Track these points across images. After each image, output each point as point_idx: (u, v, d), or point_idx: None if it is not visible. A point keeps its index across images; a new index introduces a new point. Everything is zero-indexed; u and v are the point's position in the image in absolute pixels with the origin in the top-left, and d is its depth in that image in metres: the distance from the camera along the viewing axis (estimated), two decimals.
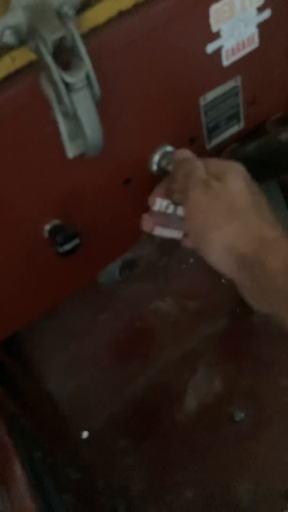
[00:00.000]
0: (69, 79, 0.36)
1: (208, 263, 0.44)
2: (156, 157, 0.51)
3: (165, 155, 0.51)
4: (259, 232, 0.41)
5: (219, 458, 0.80)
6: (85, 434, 0.86)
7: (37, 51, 0.36)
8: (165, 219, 0.48)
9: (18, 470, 0.54)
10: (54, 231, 0.47)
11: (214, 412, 0.85)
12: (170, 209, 0.48)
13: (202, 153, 0.55)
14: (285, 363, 0.88)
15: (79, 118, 0.39)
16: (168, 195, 0.49)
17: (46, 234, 0.48)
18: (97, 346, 0.91)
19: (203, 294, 0.96)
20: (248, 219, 0.41)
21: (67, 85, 0.37)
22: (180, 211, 0.49)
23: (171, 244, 0.71)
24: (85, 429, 0.86)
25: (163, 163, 0.51)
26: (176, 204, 0.48)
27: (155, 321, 0.94)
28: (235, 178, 0.44)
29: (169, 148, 0.51)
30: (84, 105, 0.38)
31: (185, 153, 0.48)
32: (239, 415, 0.84)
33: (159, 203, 0.47)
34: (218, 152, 0.58)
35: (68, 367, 0.89)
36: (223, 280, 0.97)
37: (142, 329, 0.94)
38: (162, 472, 0.81)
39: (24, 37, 0.37)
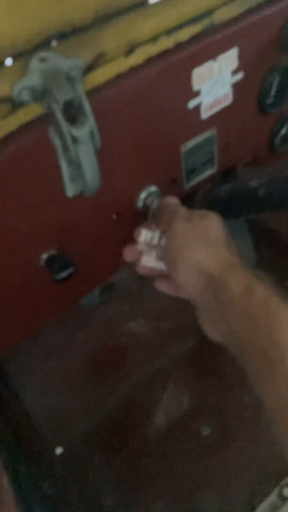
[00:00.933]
0: (75, 133, 0.42)
1: (178, 282, 0.49)
2: (142, 195, 0.57)
3: (150, 194, 0.58)
4: (226, 259, 0.47)
5: (186, 471, 0.85)
6: (59, 450, 0.89)
7: (49, 108, 0.42)
8: (150, 249, 0.54)
9: (5, 483, 0.57)
10: (50, 260, 0.52)
11: (182, 427, 0.90)
12: (155, 240, 0.54)
13: (181, 192, 0.62)
14: (247, 381, 0.94)
15: (81, 164, 0.45)
16: (155, 225, 0.55)
17: (42, 262, 0.53)
18: (73, 364, 0.95)
19: (173, 316, 1.02)
20: (218, 248, 0.48)
21: (73, 138, 0.43)
22: (163, 241, 0.55)
23: None
24: (60, 445, 0.89)
25: (148, 200, 0.58)
26: (160, 237, 0.54)
27: (128, 341, 0.99)
28: (213, 219, 0.51)
29: (153, 188, 0.58)
30: (87, 155, 0.44)
31: (174, 199, 0.55)
32: (206, 430, 0.89)
33: (145, 235, 0.53)
34: (195, 191, 0.65)
35: (45, 385, 0.93)
36: (192, 302, 1.03)
37: (116, 348, 0.98)
38: (133, 486, 0.85)
39: (37, 95, 0.43)
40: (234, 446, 0.87)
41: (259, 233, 0.94)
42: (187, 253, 0.48)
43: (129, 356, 0.99)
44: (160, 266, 0.54)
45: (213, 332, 0.48)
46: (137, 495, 0.84)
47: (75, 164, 0.45)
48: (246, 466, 0.84)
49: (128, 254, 0.56)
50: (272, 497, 0.79)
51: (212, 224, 0.50)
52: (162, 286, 0.55)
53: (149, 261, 0.54)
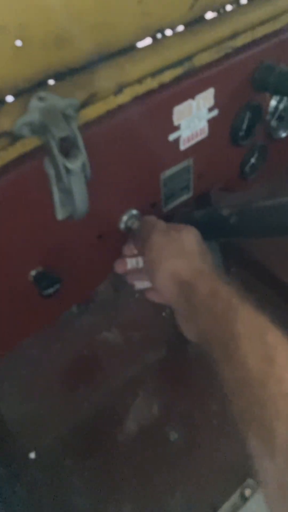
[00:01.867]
0: (69, 165, 0.47)
1: (157, 289, 0.55)
2: (124, 218, 0.62)
3: (131, 216, 0.63)
4: (197, 267, 0.53)
5: (155, 474, 0.89)
6: (32, 455, 0.92)
7: (46, 143, 0.46)
8: (140, 273, 0.59)
9: None
10: (38, 277, 0.56)
11: (151, 433, 0.94)
12: (140, 264, 0.59)
13: (159, 215, 0.67)
14: (215, 390, 1.00)
15: (72, 193, 0.49)
16: (134, 244, 0.61)
17: (31, 279, 0.57)
18: (48, 373, 0.99)
19: (146, 326, 1.07)
20: (191, 258, 0.54)
21: (67, 169, 0.47)
22: None
23: (122, 281, 0.82)
24: (33, 450, 0.92)
25: (129, 223, 0.63)
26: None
27: (102, 350, 1.03)
28: (189, 233, 0.57)
29: (134, 212, 0.63)
30: (78, 185, 0.49)
31: (153, 216, 0.61)
32: (174, 436, 0.94)
33: (129, 262, 0.58)
34: (172, 214, 0.70)
35: (20, 391, 0.96)
36: (163, 314, 1.09)
37: (90, 357, 1.02)
38: (103, 488, 0.88)
39: (36, 130, 0.47)
40: (200, 451, 0.92)
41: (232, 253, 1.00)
42: (163, 263, 0.54)
43: (103, 365, 1.03)
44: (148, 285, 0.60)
45: (187, 332, 0.54)
46: (107, 497, 0.87)
47: (66, 192, 0.50)
48: (211, 470, 0.89)
49: (119, 266, 0.62)
50: (234, 498, 0.85)
51: (187, 237, 0.56)
52: (151, 295, 0.60)
53: (142, 284, 0.60)
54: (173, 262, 0.54)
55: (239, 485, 0.86)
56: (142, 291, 0.61)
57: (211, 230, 0.65)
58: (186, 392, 1.00)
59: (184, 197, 0.70)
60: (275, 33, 0.65)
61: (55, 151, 0.46)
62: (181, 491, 0.88)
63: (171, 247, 0.55)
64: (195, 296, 0.50)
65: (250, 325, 0.44)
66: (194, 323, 0.51)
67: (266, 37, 0.64)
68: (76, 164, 0.47)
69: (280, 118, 0.78)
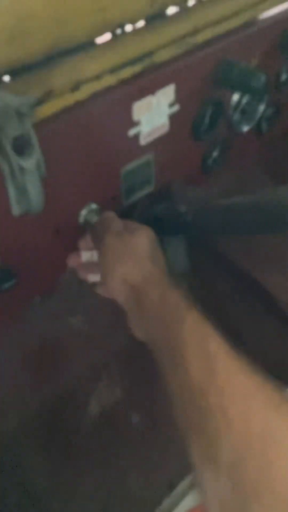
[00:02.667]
0: (23, 164, 0.47)
1: (108, 289, 0.57)
2: (83, 212, 0.63)
3: (90, 211, 0.63)
4: (148, 271, 0.54)
5: (115, 455, 0.92)
6: None
7: (0, 142, 0.46)
8: (93, 266, 0.60)
9: None
10: None
11: (114, 416, 0.97)
12: (95, 257, 0.60)
13: (120, 208, 0.68)
14: None
15: (27, 190, 0.50)
16: (91, 241, 0.62)
17: None
18: (11, 358, 0.99)
19: (111, 312, 1.08)
20: (142, 262, 0.55)
21: (20, 168, 0.47)
22: None
23: None
24: None
25: (88, 217, 0.63)
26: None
27: (66, 335, 1.04)
28: (142, 235, 0.58)
29: (94, 206, 0.63)
30: (33, 182, 0.49)
31: (111, 213, 0.61)
32: (135, 419, 0.98)
33: (84, 255, 0.59)
34: (133, 206, 0.71)
35: None
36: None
37: (54, 342, 1.03)
38: (66, 470, 0.91)
39: None
40: (160, 433, 0.95)
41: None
42: (115, 266, 0.55)
43: (67, 349, 1.04)
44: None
45: (137, 332, 0.56)
46: (70, 478, 0.90)
47: (21, 189, 0.50)
48: (170, 451, 0.92)
49: (72, 260, 0.63)
50: (191, 477, 0.89)
51: (141, 240, 0.57)
52: (100, 290, 0.62)
53: (95, 277, 0.60)
54: (125, 266, 0.55)
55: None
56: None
57: (169, 226, 0.66)
58: (149, 377, 1.02)
59: (146, 191, 0.70)
60: (236, 30, 0.65)
61: (9, 149, 0.46)
62: (141, 470, 0.91)
63: (123, 250, 0.56)
64: (144, 302, 0.52)
65: (195, 334, 0.45)
66: (143, 327, 0.53)
67: (227, 34, 0.64)
68: (30, 163, 0.47)
69: (243, 112, 0.79)
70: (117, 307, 1.10)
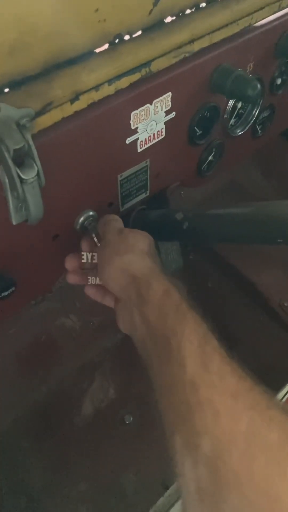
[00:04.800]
0: (23, 176, 0.47)
1: (103, 278, 0.58)
2: (81, 219, 0.63)
3: (87, 217, 0.64)
4: (149, 265, 0.56)
5: (109, 454, 0.93)
6: None
7: (0, 154, 0.46)
8: (93, 269, 0.61)
9: None
10: None
11: (107, 416, 0.98)
12: (95, 259, 0.61)
13: (116, 214, 0.69)
14: None
15: (27, 200, 0.50)
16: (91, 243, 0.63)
17: None
18: (5, 357, 1.00)
19: (103, 312, 1.09)
20: (143, 256, 0.57)
21: (20, 179, 0.48)
22: None
23: None
24: None
25: (86, 223, 0.64)
26: None
27: (60, 335, 1.05)
28: (142, 234, 0.59)
29: (91, 213, 0.64)
30: (32, 193, 0.49)
31: (113, 215, 0.62)
32: (129, 418, 0.99)
33: (85, 256, 0.60)
34: (129, 212, 0.71)
35: None
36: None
37: (48, 342, 1.04)
38: (60, 469, 0.92)
39: None
40: (153, 432, 0.96)
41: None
42: (115, 257, 0.57)
43: (60, 349, 1.05)
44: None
45: (122, 324, 0.57)
46: (64, 477, 0.91)
47: (21, 199, 0.50)
48: (162, 451, 0.94)
49: (69, 262, 0.64)
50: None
51: (140, 238, 0.59)
52: (90, 292, 0.64)
53: (94, 280, 0.61)
54: (125, 257, 0.56)
55: None
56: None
57: (165, 232, 0.67)
58: (141, 376, 1.03)
59: (141, 196, 0.71)
60: (232, 37, 0.65)
61: (9, 161, 0.46)
62: (134, 470, 0.93)
63: (124, 244, 0.58)
64: (147, 292, 0.53)
65: (194, 330, 0.47)
66: (137, 316, 0.53)
67: (223, 42, 0.65)
68: (29, 174, 0.47)
69: (238, 116, 0.80)
70: (108, 308, 1.11)
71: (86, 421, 0.98)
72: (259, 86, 0.64)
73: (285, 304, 1.07)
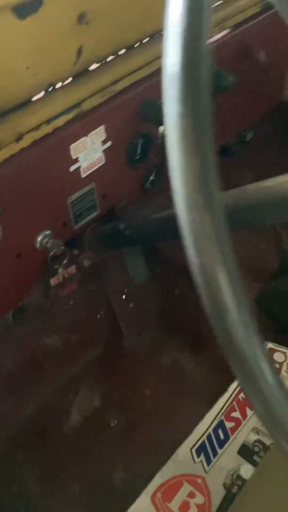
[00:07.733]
0: None
1: None
2: (39, 238, 0.74)
3: (45, 236, 0.75)
4: None
5: (98, 456, 1.02)
6: None
7: None
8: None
9: None
10: None
11: (94, 421, 1.07)
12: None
13: (72, 232, 0.80)
14: (148, 377, 1.13)
15: None
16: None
17: None
18: None
19: (83, 328, 1.19)
20: None
21: None
22: None
23: (54, 291, 0.94)
24: None
25: (44, 242, 0.75)
26: None
27: (43, 354, 1.14)
28: None
29: (48, 232, 0.75)
30: None
31: None
32: (113, 422, 1.07)
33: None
34: (83, 229, 0.83)
35: None
36: (98, 316, 1.21)
37: (32, 362, 1.13)
38: (53, 474, 1.00)
39: None
40: (137, 433, 1.05)
41: None
42: None
43: (45, 367, 1.13)
44: None
45: None
46: (58, 481, 0.99)
47: None
48: (148, 449, 1.02)
49: None
50: None
51: None
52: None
53: None
54: None
55: (168, 458, 0.99)
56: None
57: (116, 241, 0.78)
58: (122, 382, 1.13)
59: (93, 215, 0.82)
60: (151, 75, 0.78)
61: None
62: (122, 468, 1.01)
63: None
64: None
65: None
66: None
67: (144, 79, 0.78)
68: None
69: None
70: (88, 325, 1.21)
71: (75, 429, 1.06)
72: None
73: None
